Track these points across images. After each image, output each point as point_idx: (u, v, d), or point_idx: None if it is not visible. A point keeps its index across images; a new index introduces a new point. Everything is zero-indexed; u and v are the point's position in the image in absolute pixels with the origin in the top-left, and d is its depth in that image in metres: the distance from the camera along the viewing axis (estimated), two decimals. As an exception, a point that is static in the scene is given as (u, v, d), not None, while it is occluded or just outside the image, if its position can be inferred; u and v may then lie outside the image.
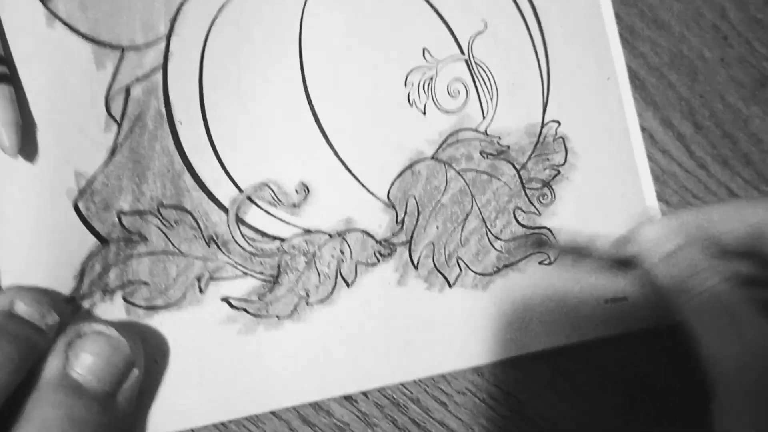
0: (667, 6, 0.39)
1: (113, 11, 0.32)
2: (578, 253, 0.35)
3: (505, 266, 0.35)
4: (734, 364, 0.28)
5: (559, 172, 0.36)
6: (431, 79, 0.35)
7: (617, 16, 0.38)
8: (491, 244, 0.35)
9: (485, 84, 0.35)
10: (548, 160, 0.36)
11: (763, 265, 0.33)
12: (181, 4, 0.32)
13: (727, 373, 0.28)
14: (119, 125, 0.31)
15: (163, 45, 0.32)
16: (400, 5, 0.35)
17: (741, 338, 0.29)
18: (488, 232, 0.35)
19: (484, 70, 0.35)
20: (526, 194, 0.36)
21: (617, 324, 0.36)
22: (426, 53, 0.35)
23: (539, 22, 0.36)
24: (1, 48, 0.30)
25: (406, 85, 0.34)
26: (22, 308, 0.28)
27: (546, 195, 0.36)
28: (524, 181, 0.36)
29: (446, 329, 0.34)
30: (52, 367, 0.27)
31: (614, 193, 0.36)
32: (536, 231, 0.35)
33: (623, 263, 0.34)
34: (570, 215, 0.36)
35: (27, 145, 0.30)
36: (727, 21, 0.39)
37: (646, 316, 0.36)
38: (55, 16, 0.31)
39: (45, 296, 0.29)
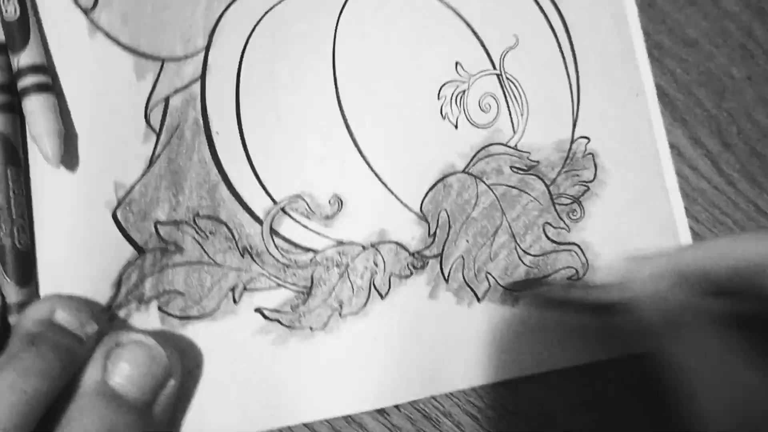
0: (694, 24, 0.39)
1: (154, 24, 0.32)
2: (552, 301, 0.35)
3: (534, 282, 0.35)
4: (715, 413, 0.27)
5: (588, 188, 0.36)
6: (464, 92, 0.35)
7: (645, 33, 0.38)
8: (520, 259, 0.35)
9: (516, 99, 0.36)
10: (578, 176, 0.36)
11: (762, 302, 0.31)
12: (220, 18, 0.33)
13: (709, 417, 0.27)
14: (158, 136, 0.32)
15: (201, 57, 0.33)
16: (434, 19, 0.35)
17: (726, 387, 0.27)
18: (518, 247, 0.35)
19: (515, 85, 0.36)
20: (555, 210, 0.36)
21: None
22: (459, 67, 0.35)
23: (570, 38, 0.36)
24: (45, 58, 0.30)
25: (439, 98, 0.35)
26: (62, 317, 0.28)
27: (575, 211, 0.36)
28: (554, 197, 0.36)
29: (476, 343, 0.34)
30: (91, 376, 0.28)
31: (643, 210, 0.37)
32: (565, 246, 0.36)
33: (605, 308, 0.33)
34: (599, 231, 0.36)
35: (68, 154, 0.30)
36: (754, 39, 0.39)
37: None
38: (97, 27, 0.31)
39: (85, 305, 0.29)
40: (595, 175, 0.36)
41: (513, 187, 0.35)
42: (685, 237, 0.37)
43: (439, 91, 0.35)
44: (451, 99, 0.35)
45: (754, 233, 0.33)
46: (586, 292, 0.34)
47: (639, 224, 0.36)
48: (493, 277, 0.35)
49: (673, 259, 0.32)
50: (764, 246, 0.31)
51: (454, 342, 0.34)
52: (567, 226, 0.36)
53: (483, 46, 0.35)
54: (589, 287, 0.34)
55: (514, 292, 0.35)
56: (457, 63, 0.35)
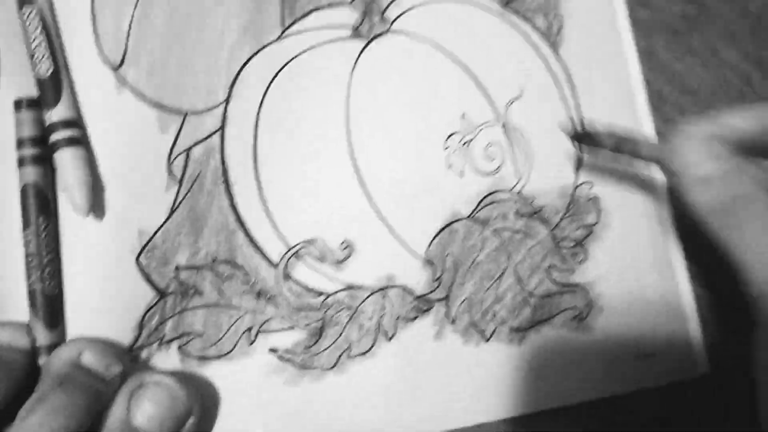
0: (694, 73, 0.40)
1: (178, 79, 0.34)
2: (620, 144, 0.33)
3: (540, 322, 0.36)
4: None
5: (592, 231, 0.37)
6: (469, 143, 0.37)
7: (646, 81, 0.39)
8: (526, 301, 0.36)
9: (521, 147, 0.37)
10: (581, 219, 0.37)
11: None
12: (239, 72, 0.35)
13: None
14: (179, 185, 0.34)
15: (221, 109, 0.34)
16: (441, 73, 0.37)
17: None
18: (523, 289, 0.36)
19: (519, 135, 0.37)
20: (559, 253, 0.37)
21: (646, 379, 0.37)
22: (464, 118, 0.37)
23: (573, 88, 0.38)
24: (75, 113, 0.32)
25: (445, 148, 0.36)
26: (89, 359, 0.29)
27: (578, 254, 0.37)
28: (557, 240, 0.37)
29: (483, 382, 0.35)
30: (115, 416, 0.29)
31: (646, 250, 0.38)
32: (569, 288, 0.37)
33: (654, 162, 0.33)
34: (603, 272, 0.37)
35: (96, 204, 0.32)
36: (752, 88, 0.41)
37: (673, 370, 0.37)
38: (125, 82, 0.33)
39: (110, 347, 0.30)
40: (599, 218, 0.38)
41: (518, 232, 0.37)
42: (683, 276, 0.38)
43: (446, 141, 0.36)
44: (457, 149, 0.36)
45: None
46: (636, 146, 0.33)
47: (642, 265, 0.38)
48: (500, 318, 0.36)
49: (717, 124, 0.30)
50: None
51: (461, 381, 0.35)
52: (571, 268, 0.37)
53: (488, 97, 0.37)
54: (638, 142, 0.33)
55: (520, 331, 0.36)
56: (463, 114, 0.37)
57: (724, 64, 0.41)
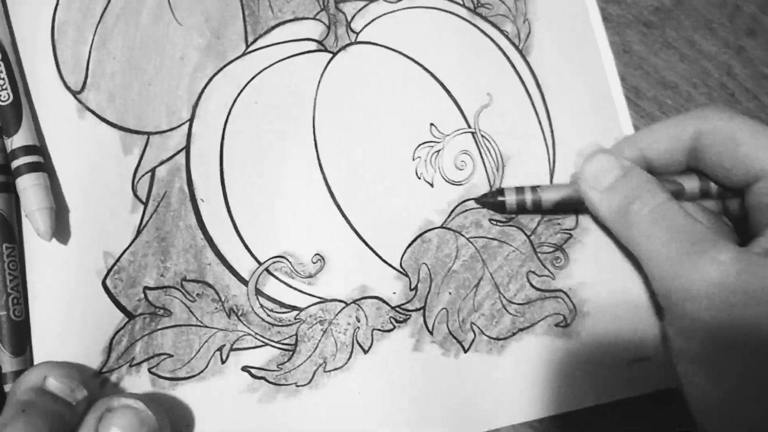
0: (671, 67, 0.39)
1: (140, 100, 0.34)
2: (524, 208, 0.35)
3: (521, 330, 0.36)
4: (681, 279, 0.29)
5: (571, 235, 0.37)
6: (438, 152, 0.36)
7: (622, 78, 0.39)
8: (505, 309, 0.36)
9: (491, 155, 0.37)
10: (559, 224, 0.37)
11: (702, 180, 0.34)
12: (203, 90, 0.35)
13: (674, 287, 0.29)
14: (145, 206, 0.33)
15: (186, 128, 0.34)
16: (410, 83, 0.36)
17: (688, 253, 0.29)
18: (502, 297, 0.36)
19: (489, 142, 0.37)
20: (538, 258, 0.36)
21: (640, 385, 0.36)
22: (433, 128, 0.36)
23: (542, 93, 0.37)
24: (36, 139, 0.32)
25: (414, 159, 0.36)
26: (53, 384, 0.29)
27: (559, 258, 0.36)
28: (535, 246, 0.36)
29: (463, 394, 0.35)
30: (82, 441, 0.29)
31: (628, 252, 0.37)
32: (551, 293, 0.36)
33: (571, 205, 0.35)
34: (585, 277, 0.36)
35: (60, 228, 0.32)
36: (733, 78, 0.40)
37: (670, 375, 0.36)
38: (86, 108, 0.33)
39: (75, 371, 0.30)
40: (577, 222, 0.37)
41: (493, 239, 0.36)
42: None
43: (414, 152, 0.36)
44: (426, 159, 0.36)
45: (689, 112, 0.34)
46: (537, 193, 0.35)
47: (625, 267, 0.37)
48: (479, 328, 0.35)
49: (618, 151, 0.34)
50: (695, 124, 0.33)
51: (440, 393, 0.34)
52: (551, 273, 0.36)
53: (457, 105, 0.37)
54: (541, 189, 0.35)
55: (500, 340, 0.35)
56: (431, 124, 0.36)
57: (702, 56, 0.40)
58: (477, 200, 0.36)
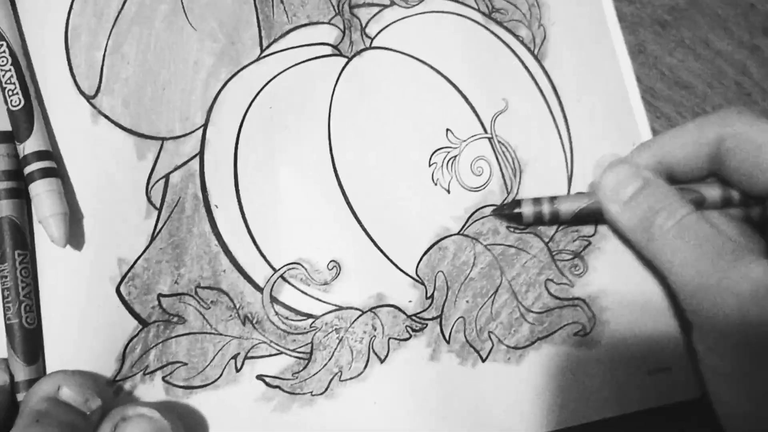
0: (687, 66, 0.39)
1: (154, 105, 0.34)
2: (541, 219, 0.35)
3: (539, 339, 0.35)
4: (711, 294, 0.28)
5: (590, 242, 0.36)
6: (455, 158, 0.36)
7: (637, 78, 0.38)
8: (523, 317, 0.35)
9: (508, 160, 0.36)
10: (577, 231, 0.36)
11: (723, 188, 0.33)
12: (217, 95, 0.34)
13: (704, 303, 0.28)
14: (159, 212, 0.33)
15: (200, 134, 0.34)
16: (425, 88, 0.36)
17: (716, 267, 0.28)
18: (519, 305, 0.35)
19: (506, 148, 0.36)
20: (556, 266, 0.36)
21: (661, 396, 0.35)
22: (449, 134, 0.36)
23: (559, 98, 0.37)
24: (49, 144, 0.32)
25: (430, 165, 0.35)
26: (67, 394, 0.29)
27: (578, 266, 0.36)
28: (554, 253, 0.36)
29: (480, 404, 0.34)
30: (96, 450, 0.29)
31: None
32: (570, 302, 0.35)
33: (590, 215, 0.34)
34: (604, 285, 0.36)
35: (73, 234, 0.32)
36: (749, 77, 0.39)
37: (692, 386, 0.35)
38: (100, 112, 0.33)
39: (89, 380, 0.30)
40: (596, 229, 0.36)
41: (511, 246, 0.36)
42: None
43: (430, 158, 0.36)
44: (442, 165, 0.36)
45: (709, 115, 0.33)
46: (555, 204, 0.34)
47: (645, 275, 0.36)
48: (497, 336, 0.35)
49: (638, 161, 0.33)
50: (716, 129, 0.32)
51: (458, 403, 0.34)
52: (570, 281, 0.36)
53: (474, 111, 0.36)
54: (558, 200, 0.34)
55: (518, 349, 0.35)
56: (447, 130, 0.36)
57: (717, 55, 0.39)
58: (493, 212, 0.35)
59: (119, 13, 0.34)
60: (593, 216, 0.34)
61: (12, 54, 0.31)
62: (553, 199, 0.34)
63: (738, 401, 0.28)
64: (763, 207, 0.33)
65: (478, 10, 0.37)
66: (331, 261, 0.34)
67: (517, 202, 0.35)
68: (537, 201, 0.34)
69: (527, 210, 0.34)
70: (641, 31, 0.39)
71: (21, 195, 0.31)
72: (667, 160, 0.33)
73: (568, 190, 0.36)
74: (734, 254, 0.28)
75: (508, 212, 0.35)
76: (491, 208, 0.36)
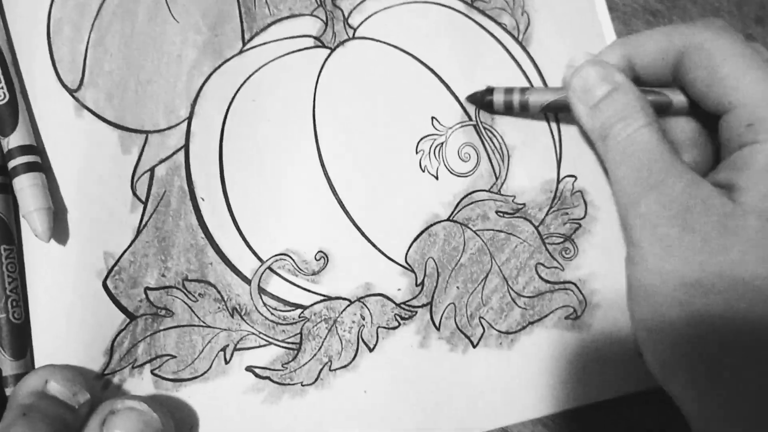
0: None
1: (138, 99, 0.34)
2: (511, 108, 0.35)
3: (530, 323, 0.35)
4: (646, 209, 0.28)
5: (580, 225, 0.36)
6: (441, 145, 0.36)
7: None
8: (514, 302, 0.35)
9: (495, 146, 0.36)
10: (567, 214, 0.36)
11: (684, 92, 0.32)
12: (201, 88, 0.34)
13: (640, 216, 0.29)
14: (144, 205, 0.33)
15: (184, 126, 0.34)
16: (409, 77, 0.36)
17: (656, 184, 0.28)
18: (510, 290, 0.35)
19: (492, 133, 0.36)
20: (547, 250, 0.36)
21: (654, 378, 0.35)
22: (435, 122, 0.36)
23: (545, 83, 0.37)
24: (33, 138, 0.32)
25: (417, 152, 0.35)
26: (54, 388, 0.29)
27: (568, 249, 0.36)
28: (544, 237, 0.36)
29: (472, 390, 0.34)
30: (85, 444, 0.28)
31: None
32: (561, 286, 0.35)
33: (559, 109, 0.35)
34: (595, 268, 0.36)
35: (58, 229, 0.32)
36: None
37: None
38: (84, 106, 0.33)
39: (77, 374, 0.30)
40: (586, 212, 0.36)
41: (501, 231, 0.35)
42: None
43: (417, 145, 0.35)
44: (430, 152, 0.36)
45: (676, 26, 0.33)
46: (526, 95, 0.35)
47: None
48: (487, 322, 0.35)
49: (610, 61, 0.33)
50: (683, 39, 0.31)
51: (449, 390, 0.34)
52: (560, 264, 0.36)
53: (457, 99, 0.36)
54: (530, 91, 0.35)
55: (510, 334, 0.35)
56: (433, 118, 0.36)
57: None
58: (468, 98, 0.36)
59: (101, 5, 0.34)
60: (562, 110, 0.35)
61: (-7, 49, 0.31)
62: (524, 90, 0.35)
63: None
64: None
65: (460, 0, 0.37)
66: (318, 251, 0.34)
67: (490, 90, 0.35)
68: (509, 90, 0.35)
69: (498, 98, 0.35)
70: (633, 20, 0.39)
71: (7, 190, 0.31)
72: (633, 61, 0.33)
73: (558, 173, 0.36)
74: (664, 172, 0.28)
75: (480, 98, 0.35)
76: (480, 193, 0.35)
